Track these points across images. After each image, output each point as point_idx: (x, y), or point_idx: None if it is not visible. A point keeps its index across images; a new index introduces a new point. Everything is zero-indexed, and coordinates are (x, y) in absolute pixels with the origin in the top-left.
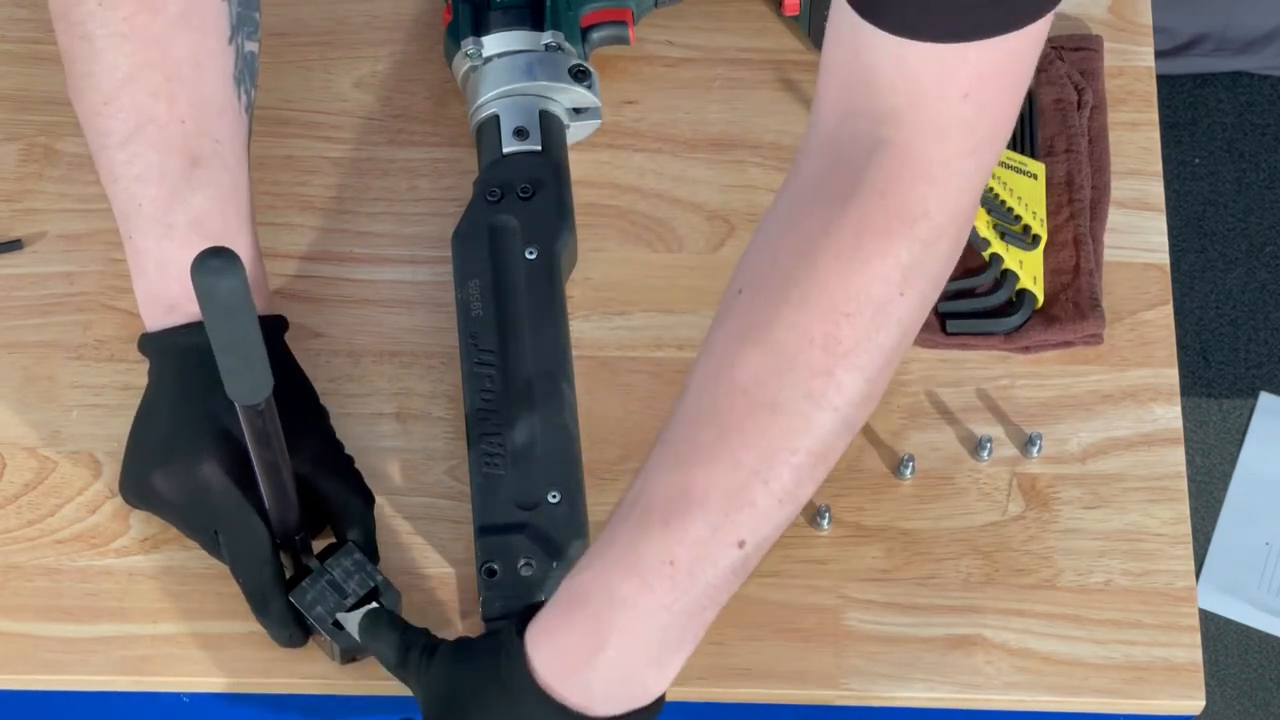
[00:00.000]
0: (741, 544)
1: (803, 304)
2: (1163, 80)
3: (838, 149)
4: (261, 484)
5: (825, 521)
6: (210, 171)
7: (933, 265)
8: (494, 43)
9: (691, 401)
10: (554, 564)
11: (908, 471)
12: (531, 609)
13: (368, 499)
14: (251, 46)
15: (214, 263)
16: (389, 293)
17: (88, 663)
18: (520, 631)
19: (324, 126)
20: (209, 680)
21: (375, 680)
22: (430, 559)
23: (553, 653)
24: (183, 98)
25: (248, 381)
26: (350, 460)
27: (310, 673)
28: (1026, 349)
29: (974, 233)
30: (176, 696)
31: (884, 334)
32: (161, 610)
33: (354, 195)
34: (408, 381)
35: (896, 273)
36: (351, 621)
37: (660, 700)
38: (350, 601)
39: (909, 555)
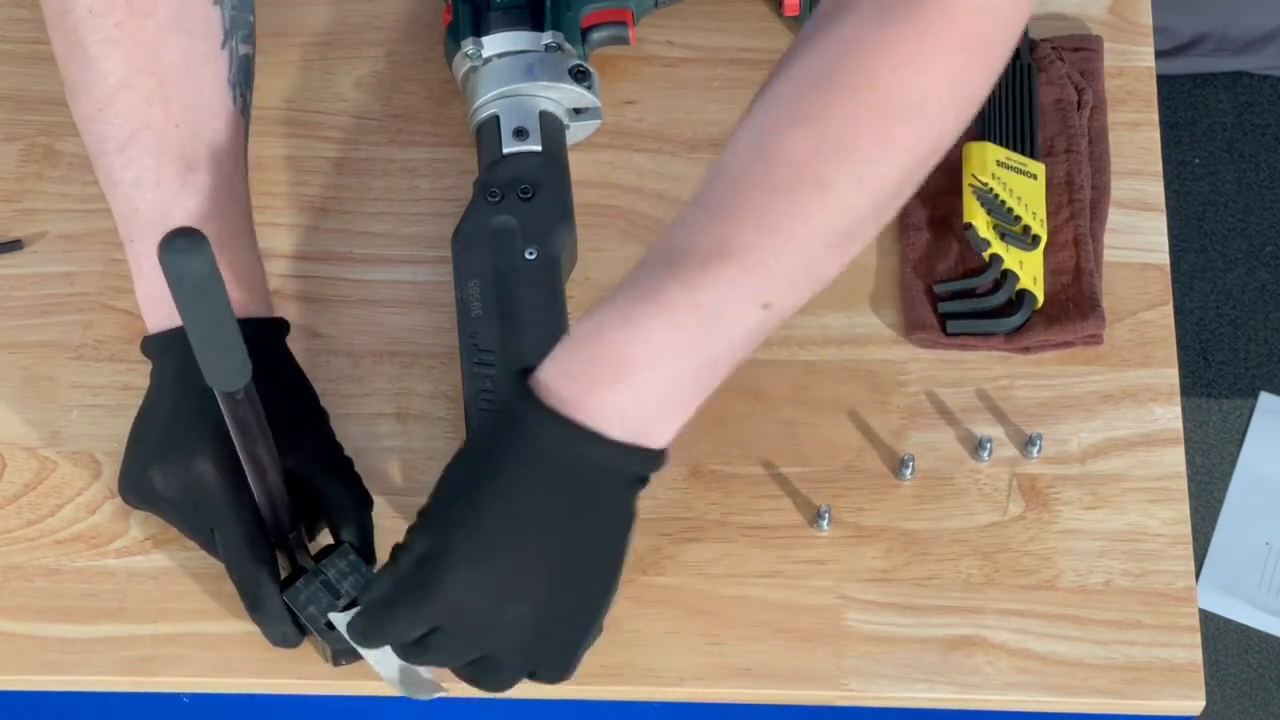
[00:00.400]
0: (766, 306)
1: (859, 98)
2: (1163, 80)
3: None
4: (248, 476)
5: (825, 521)
6: (205, 175)
7: (980, 86)
8: (494, 43)
9: (736, 170)
10: None
11: (908, 472)
12: (529, 368)
13: (364, 501)
14: (246, 50)
15: (180, 242)
16: (389, 293)
17: (88, 663)
18: (525, 376)
19: (324, 126)
20: (209, 680)
21: (375, 680)
22: None
23: (568, 379)
24: (176, 102)
25: (223, 367)
26: (349, 462)
27: (310, 673)
28: (1026, 349)
29: (974, 233)
30: (176, 696)
31: (928, 140)
32: (161, 610)
33: (354, 195)
34: (408, 381)
35: (949, 86)
36: (343, 622)
37: (665, 455)
38: (343, 602)
39: (909, 555)
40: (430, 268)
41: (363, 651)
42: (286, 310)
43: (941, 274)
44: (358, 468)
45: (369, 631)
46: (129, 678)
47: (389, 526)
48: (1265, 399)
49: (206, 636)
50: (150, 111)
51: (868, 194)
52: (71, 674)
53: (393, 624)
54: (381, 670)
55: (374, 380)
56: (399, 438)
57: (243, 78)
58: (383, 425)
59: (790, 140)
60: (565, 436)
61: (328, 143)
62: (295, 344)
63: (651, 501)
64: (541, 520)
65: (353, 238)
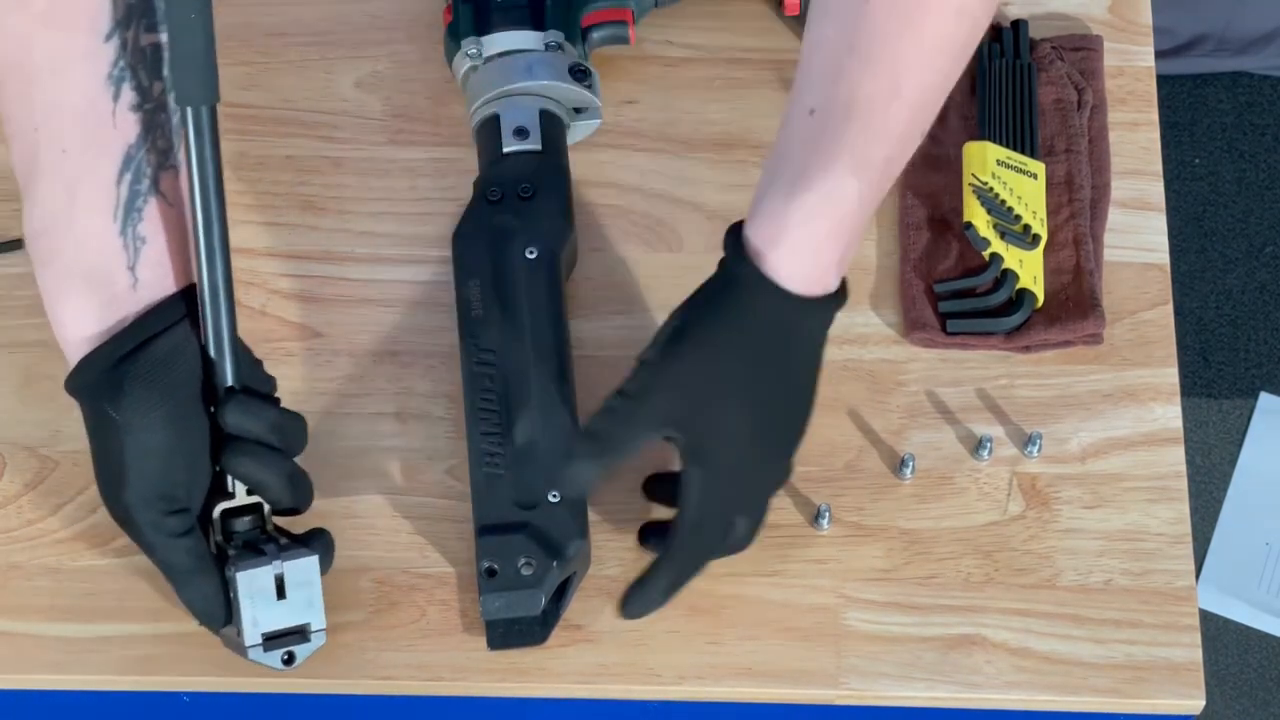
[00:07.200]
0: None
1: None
2: (1163, 80)
3: None
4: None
5: (825, 521)
6: (47, 184)
7: None
8: (494, 42)
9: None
10: (554, 563)
11: (908, 471)
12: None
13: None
14: (151, 39)
15: None
16: (389, 293)
17: (88, 663)
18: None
19: (324, 126)
20: (209, 680)
21: (377, 680)
22: (430, 559)
23: (772, 244)
24: (40, 103)
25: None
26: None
27: (311, 672)
28: (1026, 349)
29: (974, 232)
30: (177, 696)
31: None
32: (162, 610)
33: (354, 195)
34: (408, 381)
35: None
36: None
37: (845, 289)
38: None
39: (909, 555)
40: (430, 268)
41: (241, 598)
42: (286, 310)
43: (941, 273)
44: (358, 467)
45: (603, 444)
46: (129, 678)
47: (389, 526)
48: (1265, 399)
49: (206, 636)
50: (17, 112)
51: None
52: (71, 674)
53: (622, 430)
54: (246, 622)
55: (374, 380)
56: (399, 438)
57: (141, 71)
58: (383, 425)
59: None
60: (770, 294)
61: (328, 143)
62: (295, 344)
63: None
64: (745, 358)
65: (353, 238)
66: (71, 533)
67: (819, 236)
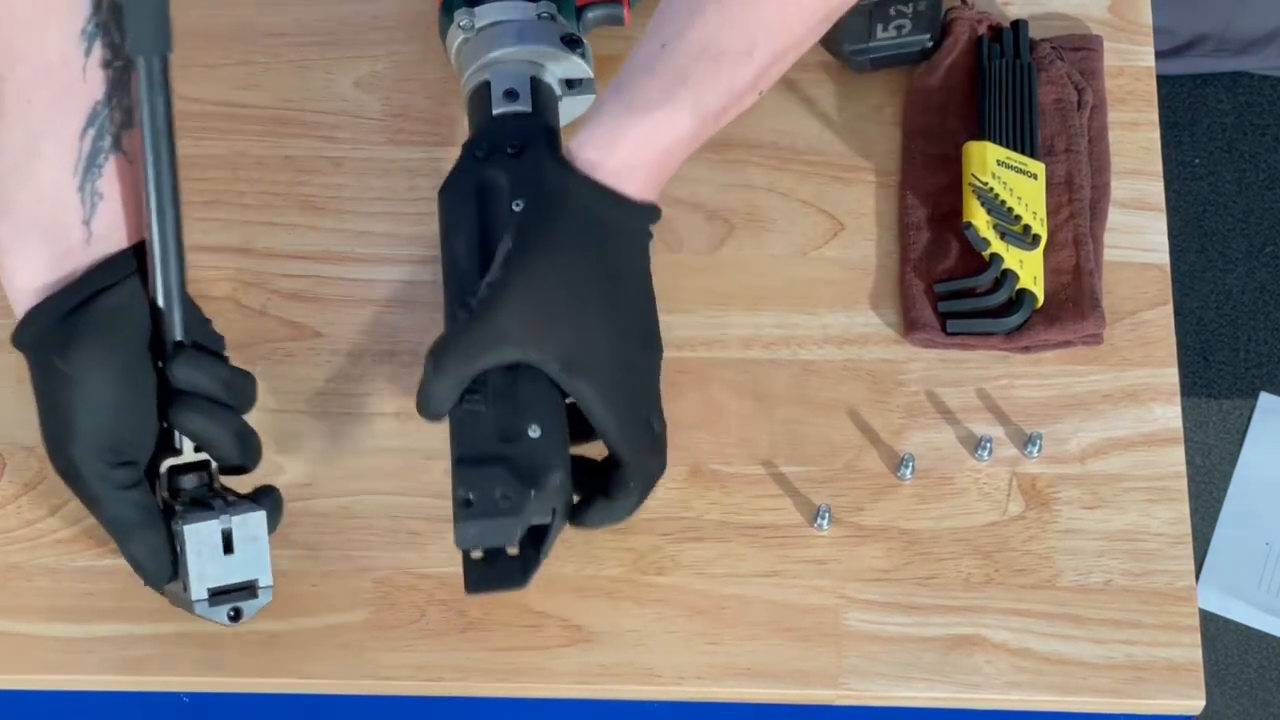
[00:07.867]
0: (761, 92)
1: None
2: (1163, 80)
3: None
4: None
5: (825, 521)
6: (8, 133)
7: None
8: (486, 13)
9: None
10: (531, 493)
11: (907, 471)
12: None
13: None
14: None
15: None
16: (389, 293)
17: (87, 663)
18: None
19: (324, 126)
20: (209, 680)
21: (377, 680)
22: (430, 559)
23: (604, 163)
24: (11, 52)
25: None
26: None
27: (310, 672)
28: (1026, 349)
29: (974, 232)
30: (177, 696)
31: None
32: (161, 610)
33: (354, 195)
34: (408, 381)
35: None
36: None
37: (659, 209)
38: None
39: (909, 555)
40: (431, 267)
41: (189, 553)
42: (286, 310)
43: (941, 273)
44: (358, 467)
45: (447, 362)
46: (128, 677)
47: (389, 526)
48: (1265, 399)
49: (206, 636)
50: None
51: None
52: (71, 674)
53: (468, 350)
54: (193, 574)
55: (374, 380)
56: (399, 438)
57: (107, 28)
58: (383, 425)
59: None
60: (601, 199)
61: (328, 143)
62: (295, 344)
63: (651, 501)
64: (588, 264)
65: (353, 238)
66: (70, 533)
67: (646, 159)
